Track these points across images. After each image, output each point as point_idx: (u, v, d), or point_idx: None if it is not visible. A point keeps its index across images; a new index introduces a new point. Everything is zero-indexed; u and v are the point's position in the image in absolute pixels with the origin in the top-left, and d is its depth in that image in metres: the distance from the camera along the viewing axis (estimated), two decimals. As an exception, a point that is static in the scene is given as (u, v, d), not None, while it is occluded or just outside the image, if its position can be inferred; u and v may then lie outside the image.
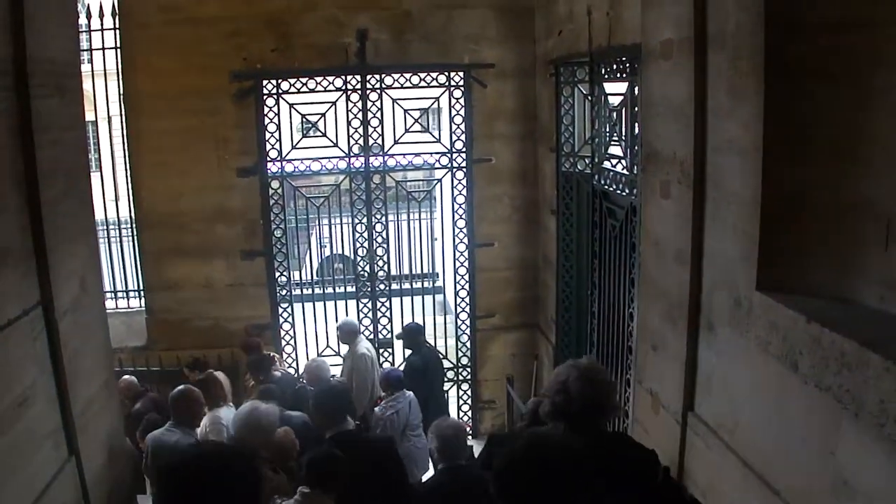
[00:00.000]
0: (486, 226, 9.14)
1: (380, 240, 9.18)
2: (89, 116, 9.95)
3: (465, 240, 9.20)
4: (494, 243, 9.17)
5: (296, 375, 8.23)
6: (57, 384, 4.06)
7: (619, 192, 6.45)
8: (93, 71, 9.14)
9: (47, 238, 3.97)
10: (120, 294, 9.67)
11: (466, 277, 9.30)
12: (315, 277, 10.79)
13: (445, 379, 8.98)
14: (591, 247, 7.12)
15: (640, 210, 5.65)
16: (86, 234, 4.75)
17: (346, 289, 9.75)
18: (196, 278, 8.81)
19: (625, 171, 6.37)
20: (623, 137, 6.47)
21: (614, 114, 6.61)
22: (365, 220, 9.08)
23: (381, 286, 9.35)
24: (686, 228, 4.57)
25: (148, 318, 8.94)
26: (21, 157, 3.82)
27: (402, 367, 8.26)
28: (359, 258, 9.26)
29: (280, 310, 9.19)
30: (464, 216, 9.14)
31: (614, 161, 6.69)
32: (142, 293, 9.24)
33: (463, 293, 9.37)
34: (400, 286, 9.78)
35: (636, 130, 5.91)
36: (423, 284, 10.57)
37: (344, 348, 8.45)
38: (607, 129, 6.84)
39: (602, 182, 6.84)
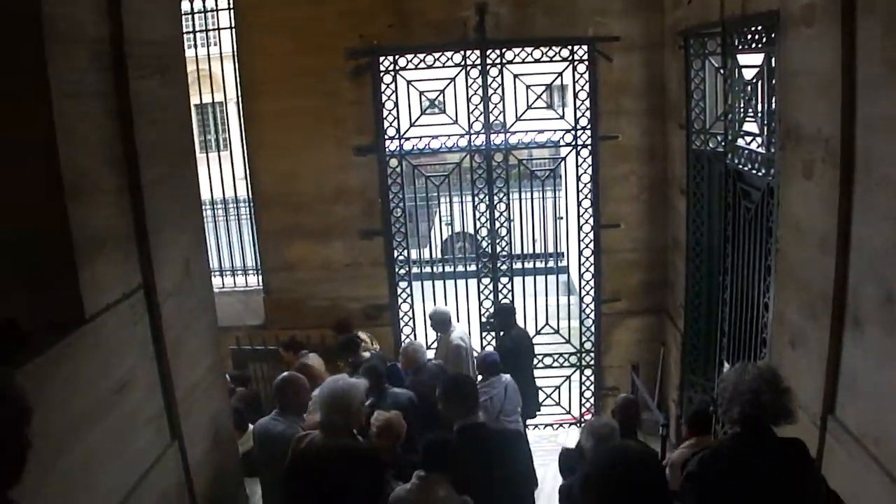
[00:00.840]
0: (613, 205, 8.76)
1: (502, 219, 8.94)
2: (217, 97, 10.25)
3: (591, 220, 8.85)
4: (621, 224, 8.78)
5: (385, 357, 7.95)
6: (159, 368, 4.03)
7: (754, 171, 5.97)
8: (221, 53, 9.31)
9: (149, 221, 3.92)
10: (238, 272, 9.83)
11: (591, 259, 8.95)
12: (436, 256, 10.67)
13: (535, 362, 8.66)
14: (724, 230, 6.65)
15: (777, 192, 5.23)
16: (190, 217, 4.71)
17: (466, 268, 9.54)
18: (314, 258, 8.82)
19: (761, 150, 5.89)
20: (759, 113, 5.98)
21: (749, 87, 6.11)
22: (486, 198, 8.86)
23: (504, 265, 9.11)
24: (832, 213, 4.16)
25: (265, 297, 9.02)
26: (120, 139, 3.78)
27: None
28: (481, 237, 9.05)
29: (399, 290, 9.09)
30: (589, 196, 8.78)
31: (749, 139, 6.20)
32: (260, 272, 9.31)
33: (588, 275, 9.03)
34: (522, 266, 9.53)
35: (773, 105, 5.43)
36: (546, 264, 10.29)
37: (434, 336, 8.28)
38: (741, 104, 6.34)
39: (736, 161, 6.37)
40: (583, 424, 5.89)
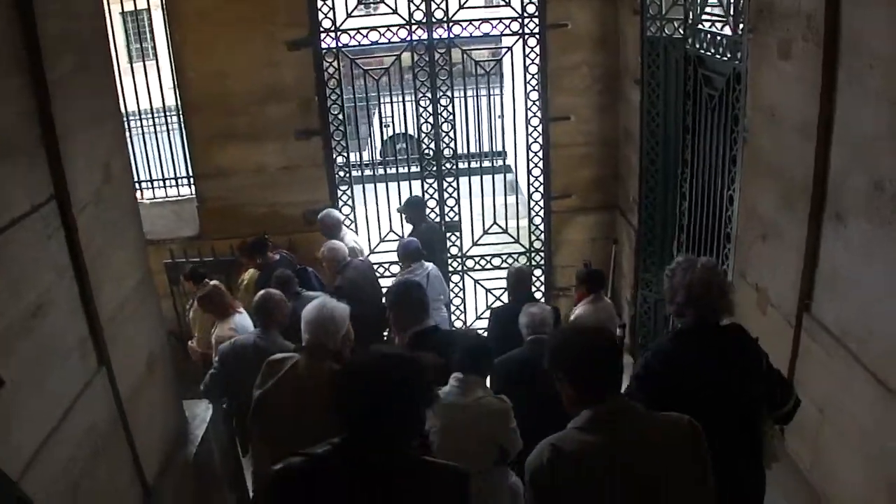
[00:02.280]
0: (562, 98, 8.30)
1: (445, 115, 8.46)
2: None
3: (539, 113, 8.40)
4: (571, 117, 8.36)
5: (293, 259, 7.70)
6: (80, 288, 3.57)
7: (717, 56, 5.60)
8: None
9: (58, 123, 3.39)
10: (170, 182, 9.27)
11: (540, 154, 8.55)
12: (377, 158, 10.25)
13: (448, 256, 8.68)
14: (683, 120, 6.32)
15: (745, 76, 4.88)
16: (107, 116, 4.14)
17: (409, 169, 9.10)
18: (248, 162, 8.28)
19: (726, 31, 5.51)
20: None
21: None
22: (429, 95, 8.37)
23: (448, 166, 8.70)
24: (813, 95, 3.85)
25: (199, 206, 8.51)
26: (19, 29, 3.21)
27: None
28: (423, 136, 8.59)
29: (339, 192, 8.64)
30: (537, 87, 8.31)
31: (712, 21, 5.82)
32: (191, 181, 8.76)
33: (536, 171, 8.64)
34: (469, 166, 9.13)
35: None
36: (493, 163, 9.92)
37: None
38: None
39: (697, 46, 5.98)
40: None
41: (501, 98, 8.87)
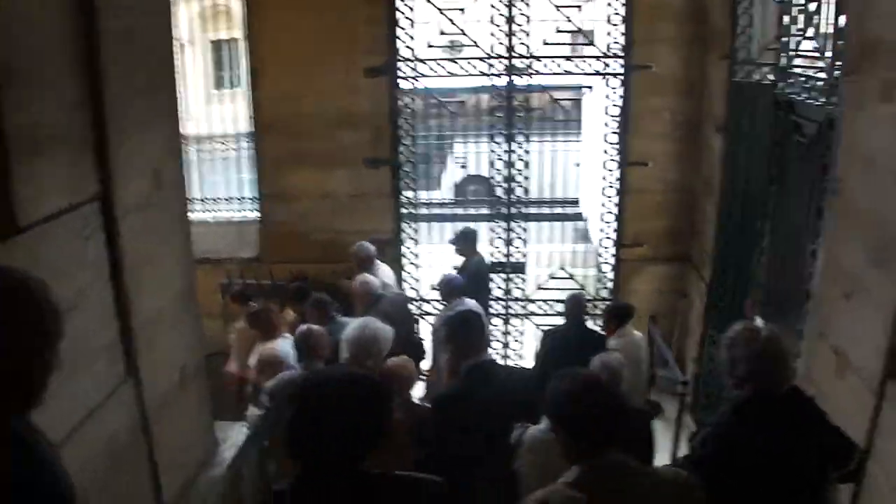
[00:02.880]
0: (641, 142, 8.00)
1: (520, 158, 8.24)
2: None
3: (617, 157, 8.10)
4: (649, 163, 8.02)
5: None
6: (115, 292, 3.40)
7: (810, 101, 5.24)
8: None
9: (110, 120, 3.25)
10: (234, 201, 9.21)
11: (614, 200, 8.24)
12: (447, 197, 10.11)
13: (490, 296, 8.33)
14: (768, 169, 5.94)
15: (839, 122, 4.51)
16: (163, 120, 4.01)
17: (479, 210, 8.87)
18: (315, 187, 8.19)
19: (821, 74, 5.14)
20: (821, 31, 5.21)
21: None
22: (504, 140, 8.16)
23: (518, 209, 8.44)
24: (917, 140, 3.46)
25: (261, 227, 8.43)
26: (79, 21, 3.11)
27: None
28: (496, 178, 8.37)
29: (404, 226, 8.45)
30: (617, 130, 8.03)
31: (807, 63, 5.46)
32: (257, 201, 8.68)
33: (609, 217, 8.32)
34: (540, 210, 8.88)
35: (841, 17, 4.67)
36: (563, 209, 9.66)
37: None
38: (800, 21, 5.57)
39: (788, 91, 5.63)
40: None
41: (582, 144, 8.53)
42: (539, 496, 2.53)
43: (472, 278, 7.08)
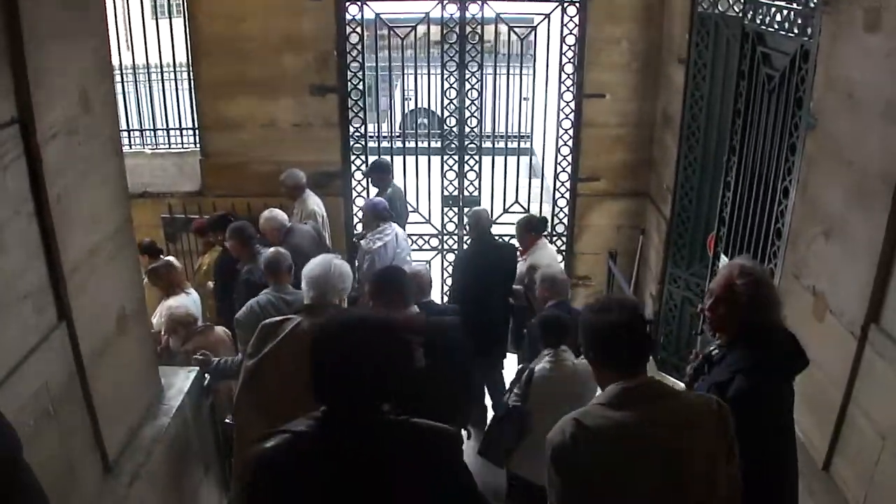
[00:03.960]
0: (598, 73, 7.72)
1: (472, 92, 7.99)
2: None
3: (573, 88, 7.83)
4: (606, 95, 7.79)
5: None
6: (40, 228, 3.06)
7: (783, 32, 5.01)
8: None
9: (25, 32, 2.86)
10: (172, 133, 8.74)
11: (570, 132, 7.99)
12: (396, 130, 9.82)
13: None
14: (735, 103, 5.74)
15: (814, 53, 4.31)
16: (88, 34, 3.57)
17: (430, 144, 8.54)
18: (258, 116, 7.78)
19: (793, 4, 4.92)
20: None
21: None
22: (456, 73, 7.89)
23: (470, 144, 8.21)
24: (906, 72, 3.27)
25: (203, 160, 8.02)
26: None
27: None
28: (447, 113, 8.11)
29: (352, 155, 8.12)
30: (573, 60, 7.74)
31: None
32: (196, 132, 8.24)
33: (565, 150, 8.09)
34: (493, 145, 8.61)
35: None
36: (518, 145, 9.43)
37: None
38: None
39: (758, 21, 5.40)
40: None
41: (534, 78, 8.20)
42: (573, 415, 2.54)
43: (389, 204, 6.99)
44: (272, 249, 5.40)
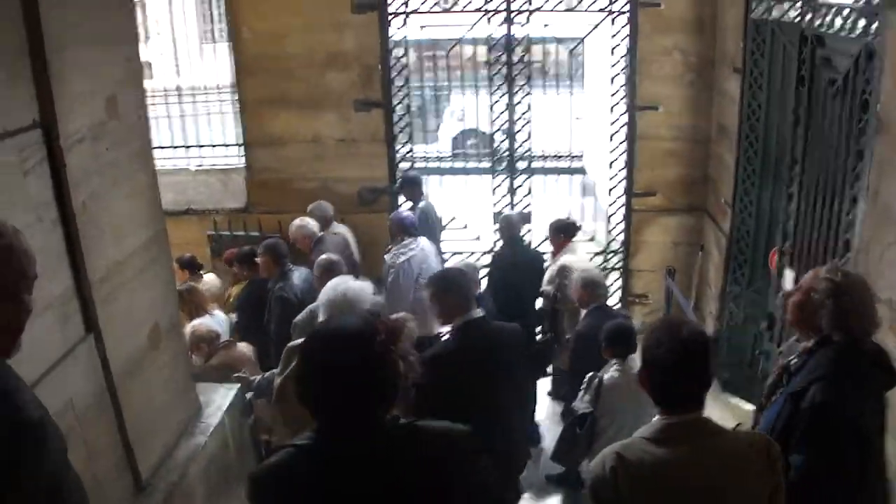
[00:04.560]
0: (650, 86, 7.50)
1: (521, 111, 7.88)
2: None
3: (625, 101, 7.62)
4: (659, 107, 7.54)
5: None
6: (65, 236, 2.96)
7: (843, 33, 4.77)
8: None
9: (47, 36, 2.78)
10: (218, 148, 8.77)
11: (623, 146, 7.77)
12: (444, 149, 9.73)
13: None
14: (795, 111, 5.47)
15: (880, 53, 4.05)
16: (119, 40, 3.52)
17: (479, 164, 8.42)
18: (302, 132, 7.75)
19: (856, 3, 4.66)
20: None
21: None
22: (504, 92, 7.77)
23: (520, 162, 8.09)
24: None
25: (247, 177, 8.02)
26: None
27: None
28: (496, 134, 8.00)
29: (398, 172, 8.01)
30: (624, 71, 7.54)
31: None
32: (241, 149, 8.23)
33: (618, 164, 7.86)
34: (544, 166, 8.46)
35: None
36: (570, 164, 9.25)
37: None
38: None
39: (815, 23, 5.15)
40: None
41: (579, 97, 8.04)
42: (615, 448, 2.47)
43: (420, 224, 6.88)
44: (326, 255, 5.40)
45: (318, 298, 4.00)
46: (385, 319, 3.94)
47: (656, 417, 2.49)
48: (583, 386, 4.81)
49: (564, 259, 6.44)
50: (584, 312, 5.52)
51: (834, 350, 2.87)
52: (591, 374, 4.77)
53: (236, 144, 8.44)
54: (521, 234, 6.89)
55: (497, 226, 6.82)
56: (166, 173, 8.29)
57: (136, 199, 3.60)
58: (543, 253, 6.84)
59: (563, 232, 6.67)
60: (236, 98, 8.08)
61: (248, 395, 4.84)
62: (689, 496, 2.38)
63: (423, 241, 6.63)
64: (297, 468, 2.12)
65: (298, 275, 5.81)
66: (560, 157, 9.91)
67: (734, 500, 2.39)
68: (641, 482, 2.37)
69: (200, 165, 8.59)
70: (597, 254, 8.22)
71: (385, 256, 6.64)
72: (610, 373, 4.69)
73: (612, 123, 7.73)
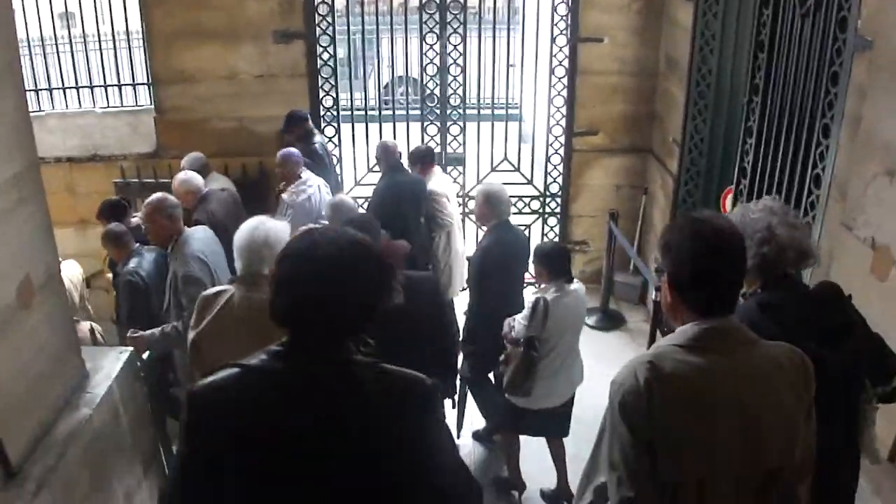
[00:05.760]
0: (595, 15, 6.99)
1: (454, 56, 7.40)
2: None
3: (567, 31, 7.08)
4: (604, 38, 7.04)
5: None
6: None
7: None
8: None
9: None
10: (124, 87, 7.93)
11: (565, 81, 7.25)
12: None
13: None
14: (757, 35, 5.01)
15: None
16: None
17: (408, 111, 7.82)
18: (217, 67, 7.10)
19: None
20: None
21: None
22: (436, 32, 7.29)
23: (452, 112, 7.62)
24: None
25: (157, 117, 7.33)
26: None
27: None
28: (427, 77, 7.49)
29: (322, 110, 7.43)
30: (566, 0, 6.99)
31: None
32: (150, 87, 7.50)
33: (558, 101, 7.34)
34: (478, 112, 7.92)
35: None
36: (506, 111, 8.76)
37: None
38: None
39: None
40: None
41: (523, 37, 7.44)
42: (647, 357, 2.20)
43: (317, 161, 6.68)
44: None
45: (234, 241, 3.65)
46: (390, 242, 4.02)
47: (688, 324, 2.20)
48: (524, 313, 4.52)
49: (430, 185, 6.34)
50: (486, 230, 5.20)
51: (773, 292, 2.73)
52: (535, 297, 4.48)
53: (143, 84, 7.69)
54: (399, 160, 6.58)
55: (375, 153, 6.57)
56: (70, 116, 7.70)
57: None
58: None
59: (421, 161, 6.47)
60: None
61: (145, 354, 4.40)
62: (729, 412, 2.14)
63: (320, 180, 6.35)
64: (246, 391, 1.88)
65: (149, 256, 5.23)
66: (496, 105, 9.43)
67: (773, 419, 2.17)
68: (678, 395, 2.13)
69: (106, 107, 7.81)
70: (533, 198, 7.75)
71: (283, 196, 6.18)
72: (552, 294, 4.46)
73: (554, 56, 7.21)
